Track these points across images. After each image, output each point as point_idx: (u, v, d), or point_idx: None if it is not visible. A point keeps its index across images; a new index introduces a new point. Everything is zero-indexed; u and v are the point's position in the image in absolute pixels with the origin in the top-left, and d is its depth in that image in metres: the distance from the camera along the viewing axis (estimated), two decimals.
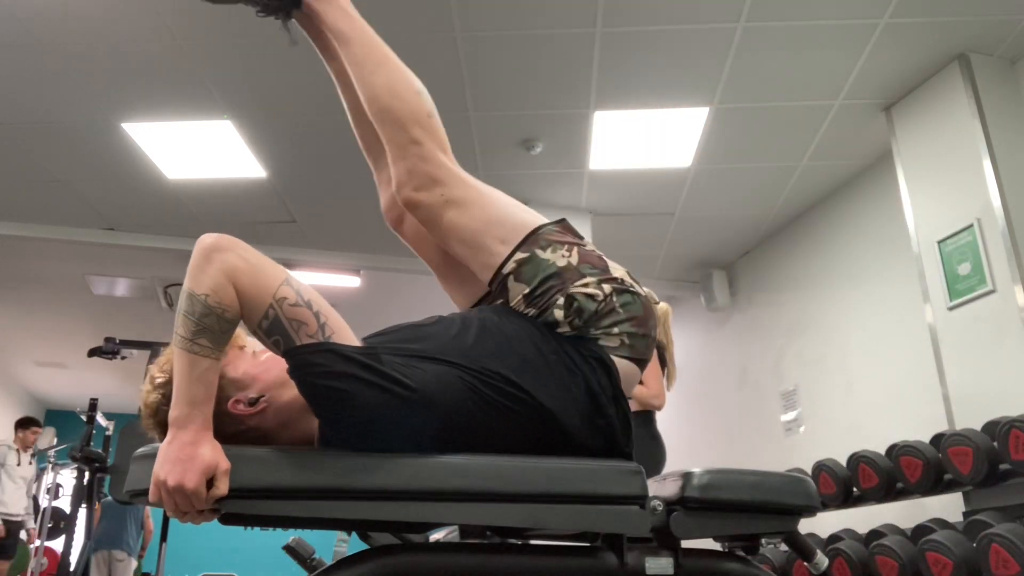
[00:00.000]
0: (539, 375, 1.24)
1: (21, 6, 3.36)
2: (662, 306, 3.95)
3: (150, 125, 4.25)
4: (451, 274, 1.52)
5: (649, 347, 1.35)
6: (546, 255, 1.32)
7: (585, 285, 1.29)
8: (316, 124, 4.23)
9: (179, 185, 4.85)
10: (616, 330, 1.29)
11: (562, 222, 1.41)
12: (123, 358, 5.30)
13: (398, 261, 5.69)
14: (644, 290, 1.36)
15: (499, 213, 1.37)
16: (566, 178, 4.77)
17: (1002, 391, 3.25)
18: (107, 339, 5.21)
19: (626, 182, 4.85)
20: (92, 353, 5.22)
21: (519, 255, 1.32)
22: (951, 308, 3.55)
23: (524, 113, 4.14)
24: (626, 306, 1.31)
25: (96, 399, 5.03)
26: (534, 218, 1.38)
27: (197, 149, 4.49)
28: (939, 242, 3.64)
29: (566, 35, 3.56)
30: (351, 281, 5.96)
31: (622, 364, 1.30)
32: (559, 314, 1.27)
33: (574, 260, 1.32)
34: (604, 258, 1.37)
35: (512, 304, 1.33)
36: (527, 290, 1.31)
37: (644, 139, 4.39)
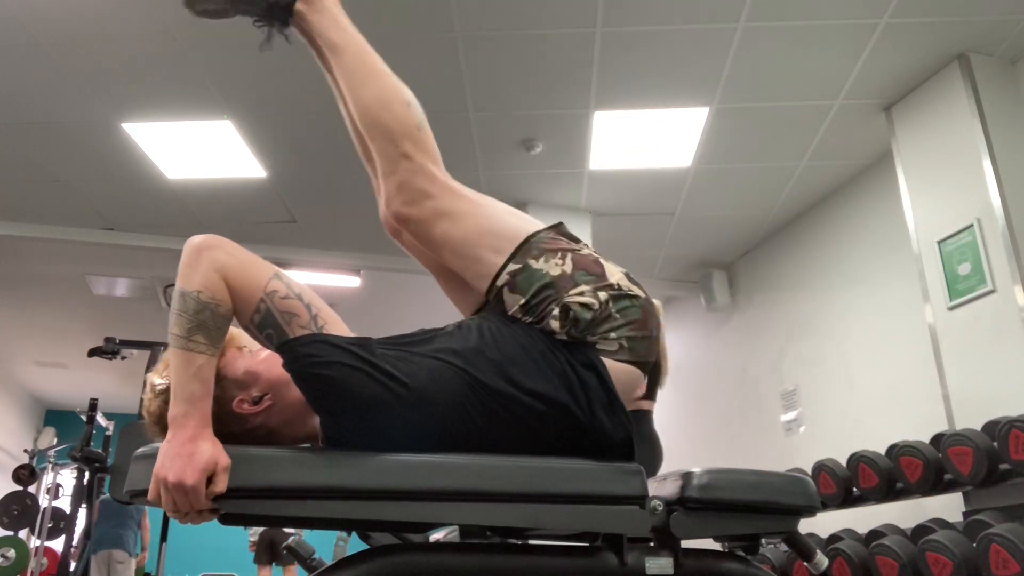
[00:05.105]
0: (530, 378, 1.23)
1: (21, 6, 3.36)
2: None
3: (150, 125, 4.25)
4: (452, 282, 1.51)
5: (651, 349, 1.33)
6: (539, 265, 1.30)
7: (580, 294, 1.27)
8: (316, 124, 4.23)
9: (179, 185, 4.85)
10: (614, 335, 1.28)
11: (558, 227, 1.39)
12: (123, 358, 5.30)
13: (398, 261, 5.65)
14: (642, 293, 1.35)
15: (492, 223, 1.36)
16: (566, 178, 4.76)
17: (1002, 391, 3.25)
18: (107, 339, 5.22)
19: (626, 182, 4.85)
20: (92, 353, 5.22)
21: (512, 266, 1.31)
22: (951, 308, 3.55)
23: (524, 113, 4.14)
24: (623, 311, 1.29)
25: (96, 399, 5.04)
26: (528, 225, 1.36)
27: (197, 149, 4.49)
28: (939, 242, 3.64)
29: (566, 35, 3.56)
30: (351, 281, 5.96)
31: (621, 368, 1.29)
32: (555, 324, 1.26)
33: (568, 268, 1.30)
34: (601, 261, 1.35)
35: (510, 313, 1.32)
36: (522, 300, 1.30)
37: (644, 139, 4.39)
